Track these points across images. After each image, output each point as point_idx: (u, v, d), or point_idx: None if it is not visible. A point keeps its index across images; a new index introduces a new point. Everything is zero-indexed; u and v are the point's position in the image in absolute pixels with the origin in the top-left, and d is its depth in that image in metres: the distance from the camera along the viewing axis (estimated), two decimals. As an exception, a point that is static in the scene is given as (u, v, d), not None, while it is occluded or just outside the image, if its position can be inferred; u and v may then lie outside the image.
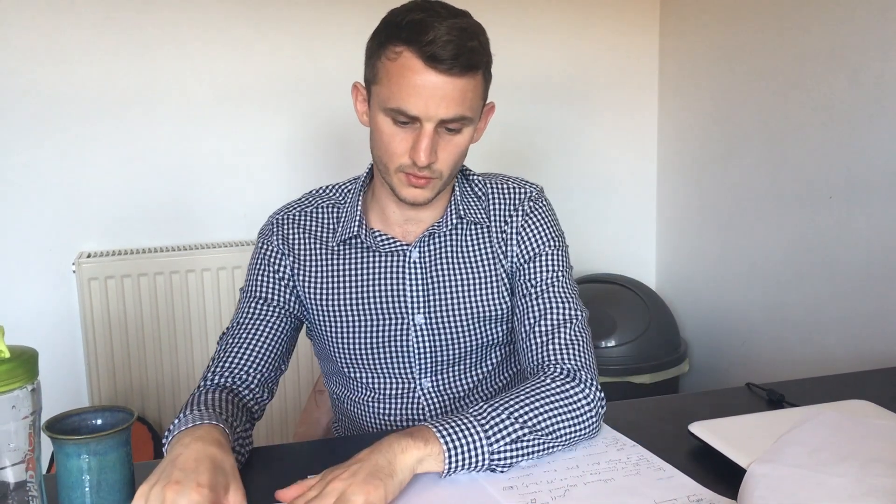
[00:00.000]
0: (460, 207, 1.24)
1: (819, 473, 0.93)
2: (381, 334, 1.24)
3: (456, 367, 1.28)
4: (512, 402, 1.04)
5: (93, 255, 2.21)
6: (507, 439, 1.00)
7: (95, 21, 2.18)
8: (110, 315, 2.20)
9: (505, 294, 1.25)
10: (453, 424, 0.99)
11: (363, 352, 1.25)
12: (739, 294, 2.46)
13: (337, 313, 1.24)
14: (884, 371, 1.43)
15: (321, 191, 1.30)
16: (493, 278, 1.25)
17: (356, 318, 1.24)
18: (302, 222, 1.27)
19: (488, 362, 1.30)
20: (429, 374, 1.27)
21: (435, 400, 1.28)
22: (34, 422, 0.74)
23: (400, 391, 1.27)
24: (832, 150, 2.06)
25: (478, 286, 1.25)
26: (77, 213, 2.24)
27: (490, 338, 1.27)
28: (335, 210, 1.27)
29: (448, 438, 0.97)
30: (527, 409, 1.04)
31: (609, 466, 1.02)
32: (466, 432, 0.98)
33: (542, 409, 1.04)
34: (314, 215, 1.27)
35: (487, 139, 1.31)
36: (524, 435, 1.01)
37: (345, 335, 1.25)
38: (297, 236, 1.25)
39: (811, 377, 1.41)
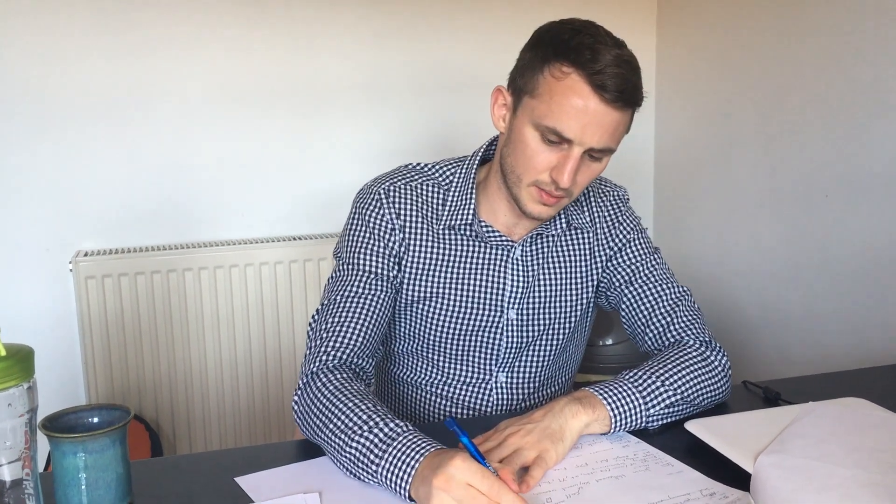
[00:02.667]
0: (568, 213, 1.29)
1: (828, 464, 0.93)
2: (473, 324, 1.27)
3: (532, 365, 1.33)
4: (662, 371, 1.14)
5: (90, 253, 2.21)
6: (661, 405, 1.11)
7: (93, 21, 2.18)
8: (107, 314, 2.20)
9: (590, 295, 1.33)
10: (615, 391, 1.09)
11: (452, 337, 1.28)
12: (736, 292, 2.46)
13: (434, 295, 1.26)
14: (880, 369, 1.44)
15: (419, 167, 1.29)
16: (587, 281, 1.32)
17: (453, 303, 1.26)
18: (410, 197, 1.25)
19: (558, 361, 1.36)
20: (506, 369, 1.31)
21: (505, 393, 1.33)
22: (30, 420, 0.74)
23: (475, 380, 1.32)
24: (829, 148, 2.06)
25: (571, 289, 1.31)
26: (74, 211, 2.24)
27: (570, 338, 1.34)
28: (440, 192, 1.27)
29: (613, 405, 1.08)
30: (676, 376, 1.14)
31: (618, 463, 1.03)
32: (627, 398, 1.09)
33: (689, 377, 1.15)
34: (420, 192, 1.26)
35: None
36: (676, 401, 1.13)
37: (438, 317, 1.27)
38: (405, 211, 1.25)
39: (807, 375, 1.41)
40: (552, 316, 1.30)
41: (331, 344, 1.14)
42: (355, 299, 1.19)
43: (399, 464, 0.91)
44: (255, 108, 2.35)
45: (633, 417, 1.09)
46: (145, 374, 2.25)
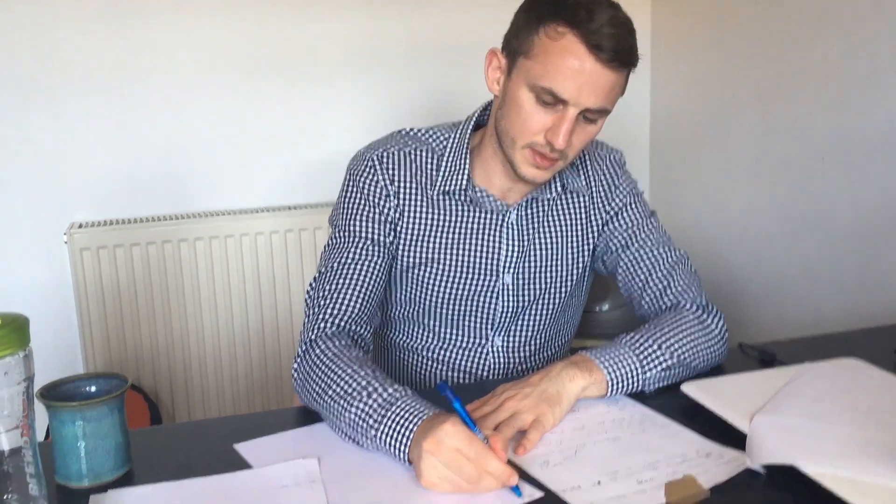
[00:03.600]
0: (563, 177, 1.28)
1: (824, 423, 0.94)
2: (469, 288, 1.28)
3: (529, 329, 1.33)
4: (659, 334, 1.15)
5: (84, 225, 2.20)
6: (659, 368, 1.11)
7: (81, -12, 2.15)
8: (103, 285, 2.19)
9: (586, 259, 1.33)
10: (612, 355, 1.10)
11: (448, 302, 1.28)
12: (732, 256, 2.46)
13: (430, 260, 1.26)
14: (874, 330, 1.44)
15: (412, 133, 1.28)
16: (583, 245, 1.32)
17: (448, 268, 1.26)
18: (403, 163, 1.25)
19: (556, 326, 1.36)
20: (502, 333, 1.32)
21: (501, 357, 1.34)
22: (27, 388, 0.74)
23: (471, 344, 1.32)
24: (825, 111, 2.05)
25: (567, 253, 1.31)
26: (68, 182, 2.22)
27: (566, 302, 1.34)
28: (433, 157, 1.26)
29: (610, 368, 1.09)
30: (673, 340, 1.14)
31: (614, 426, 1.03)
32: (624, 361, 1.10)
33: (686, 341, 1.15)
34: (413, 158, 1.26)
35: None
36: (673, 364, 1.13)
37: (433, 282, 1.27)
38: (400, 177, 1.24)
39: (803, 337, 1.42)
40: (548, 280, 1.30)
41: (328, 311, 1.14)
42: (351, 266, 1.19)
43: (398, 427, 0.92)
44: (249, 76, 2.33)
45: (630, 381, 1.10)
46: (143, 344, 2.26)
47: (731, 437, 0.96)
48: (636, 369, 1.10)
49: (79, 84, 2.18)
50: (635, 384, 1.10)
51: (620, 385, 1.09)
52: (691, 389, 1.08)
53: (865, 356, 1.18)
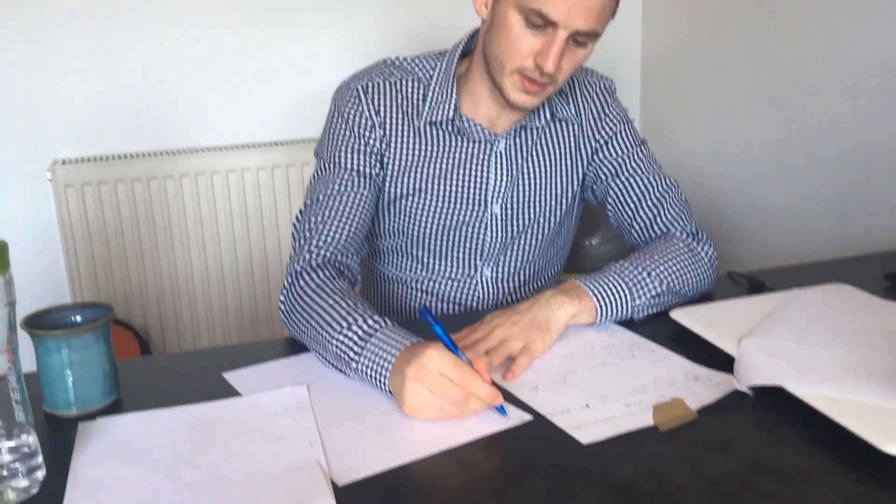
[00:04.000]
0: (552, 104, 1.25)
1: (812, 346, 0.94)
2: (457, 218, 1.27)
3: (518, 259, 1.33)
4: (649, 262, 1.14)
5: (68, 161, 2.17)
6: (648, 295, 1.11)
7: (55, -85, 2.08)
8: (89, 223, 2.17)
9: (576, 188, 1.31)
10: (602, 282, 1.10)
11: (436, 233, 1.28)
12: (723, 187, 2.45)
13: (417, 191, 1.25)
14: (863, 257, 1.44)
15: (398, 62, 1.26)
16: (572, 174, 1.30)
17: (436, 198, 1.25)
18: (389, 93, 1.23)
19: (544, 257, 1.36)
20: (491, 263, 1.32)
21: (490, 288, 1.33)
22: (10, 314, 0.72)
23: (460, 275, 1.32)
24: (818, 42, 2.02)
25: (556, 182, 1.30)
26: (51, 118, 2.17)
27: (556, 232, 1.34)
28: (420, 87, 1.24)
29: (599, 295, 1.08)
30: (662, 267, 1.14)
31: (604, 351, 1.04)
32: (614, 289, 1.09)
33: (675, 268, 1.15)
34: (399, 87, 1.23)
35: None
36: (662, 291, 1.13)
37: (421, 213, 1.26)
38: (384, 107, 1.22)
39: (792, 265, 1.42)
40: (537, 209, 1.29)
41: (314, 242, 1.13)
42: (338, 197, 1.18)
43: (377, 359, 0.92)
44: (235, 8, 2.27)
45: (620, 308, 1.10)
46: (131, 281, 2.24)
47: (720, 362, 0.96)
48: (626, 296, 1.10)
49: (59, 16, 2.12)
50: (625, 311, 1.10)
51: (610, 312, 1.09)
52: (680, 316, 1.08)
53: (854, 282, 1.19)
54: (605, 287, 1.09)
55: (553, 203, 1.30)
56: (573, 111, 1.28)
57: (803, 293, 1.13)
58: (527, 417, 0.87)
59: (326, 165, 1.21)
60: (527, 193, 1.28)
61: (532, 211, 1.29)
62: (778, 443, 0.80)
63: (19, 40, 2.11)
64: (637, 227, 1.27)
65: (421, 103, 1.23)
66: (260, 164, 2.29)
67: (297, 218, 1.19)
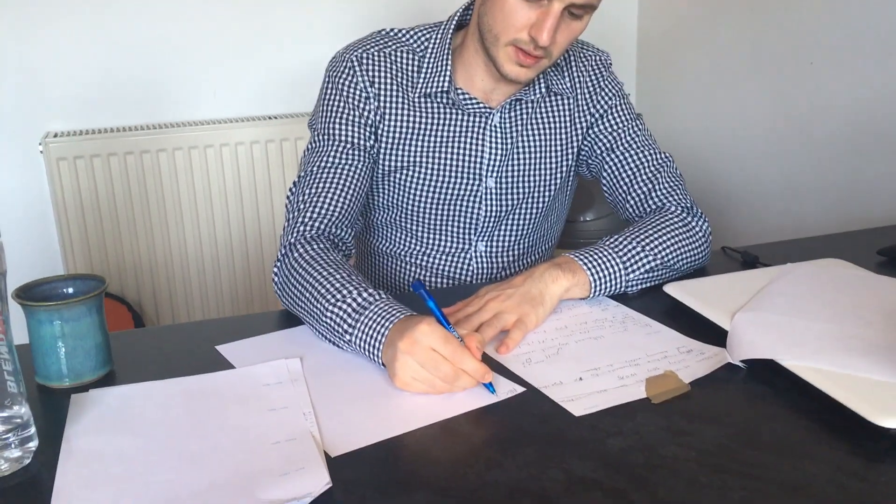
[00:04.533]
0: (548, 78, 1.25)
1: (804, 320, 0.94)
2: (451, 192, 1.26)
3: (512, 234, 1.33)
4: (643, 236, 1.14)
5: (60, 134, 2.15)
6: (641, 269, 1.12)
7: None
8: (82, 196, 2.16)
9: (570, 163, 1.31)
10: (595, 256, 1.10)
11: (430, 206, 1.27)
12: (717, 162, 2.45)
13: (411, 164, 1.24)
14: (857, 233, 1.45)
15: (392, 33, 1.25)
16: (567, 148, 1.30)
17: (430, 172, 1.25)
18: (383, 64, 1.22)
19: (538, 232, 1.36)
20: (485, 237, 1.31)
21: (484, 263, 1.33)
22: (1, 285, 0.72)
23: (454, 249, 1.32)
24: (814, 15, 2.01)
25: (551, 156, 1.29)
26: (41, 90, 2.16)
27: (550, 206, 1.33)
28: (415, 58, 1.23)
29: (593, 269, 1.08)
30: (656, 241, 1.14)
31: (597, 325, 1.04)
32: (607, 263, 1.10)
33: (669, 242, 1.15)
34: (394, 59, 1.22)
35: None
36: (656, 266, 1.13)
37: (415, 187, 1.25)
38: (379, 78, 1.21)
39: (786, 240, 1.42)
40: (532, 183, 1.29)
41: (308, 215, 1.12)
42: (332, 170, 1.17)
43: (370, 332, 0.91)
44: (224, -21, 2.25)
45: (613, 282, 1.10)
46: (124, 255, 2.24)
47: (713, 336, 0.97)
48: (619, 270, 1.10)
49: (47, -13, 2.10)
50: (618, 285, 1.11)
51: (603, 286, 1.09)
52: (673, 290, 1.08)
53: (848, 257, 1.19)
54: (599, 261, 1.09)
55: (548, 177, 1.29)
56: (568, 84, 1.27)
57: (797, 268, 1.13)
58: (519, 389, 0.87)
59: (320, 137, 1.20)
60: (521, 167, 1.27)
61: (527, 184, 1.29)
62: (770, 415, 0.81)
63: (10, 14, 2.08)
64: (632, 202, 1.27)
65: (416, 75, 1.22)
66: (253, 138, 2.28)
67: (290, 190, 1.19)
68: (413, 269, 1.33)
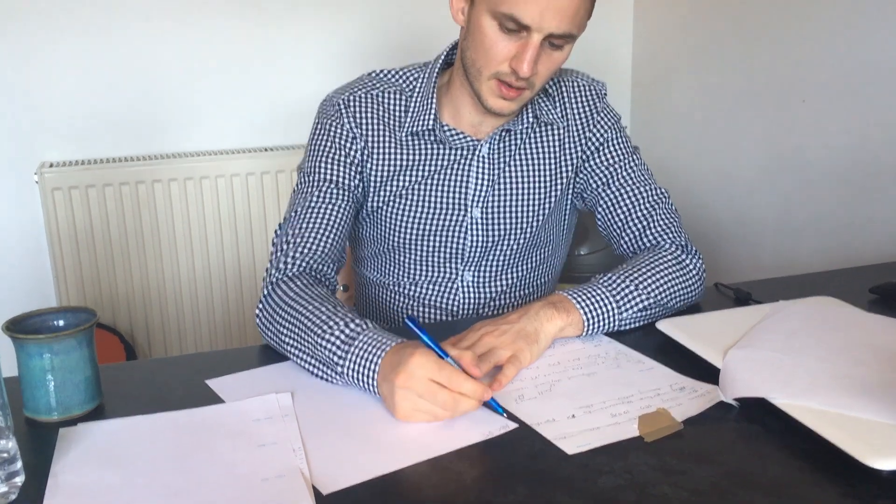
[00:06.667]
0: (536, 107, 1.25)
1: (797, 358, 0.94)
2: (437, 222, 1.27)
3: (499, 265, 1.32)
4: (637, 274, 1.14)
5: (56, 164, 2.16)
6: (635, 308, 1.12)
7: (46, -83, 2.07)
8: (76, 226, 2.16)
9: (559, 192, 1.30)
10: (589, 295, 1.10)
11: (416, 237, 1.28)
12: (711, 198, 2.46)
13: (398, 197, 1.25)
14: (849, 270, 1.45)
15: (381, 75, 1.27)
16: (557, 179, 1.30)
17: (415, 203, 1.26)
18: (370, 105, 1.24)
19: (528, 264, 1.35)
20: (472, 268, 1.31)
21: (472, 292, 1.33)
22: (-10, 318, 0.72)
23: (441, 279, 1.32)
24: (806, 53, 2.04)
25: (539, 186, 1.29)
26: (38, 120, 2.17)
27: (538, 238, 1.33)
28: (402, 98, 1.25)
29: (587, 309, 1.08)
30: (650, 280, 1.14)
31: (590, 361, 1.03)
32: (601, 302, 1.09)
33: (663, 281, 1.15)
34: (381, 100, 1.24)
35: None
36: (650, 304, 1.13)
37: (401, 217, 1.26)
38: (366, 119, 1.23)
39: (779, 277, 1.42)
40: (519, 213, 1.29)
41: (291, 254, 1.13)
42: (316, 209, 1.18)
43: (362, 361, 0.92)
44: (221, 15, 2.27)
45: (607, 321, 1.10)
46: (118, 286, 2.23)
47: (705, 373, 0.96)
48: (613, 309, 1.10)
49: (49, 20, 2.12)
50: (612, 324, 1.11)
51: (597, 325, 1.09)
52: (666, 326, 1.08)
53: (840, 295, 1.19)
54: (593, 300, 1.09)
55: (535, 206, 1.30)
56: (559, 114, 1.28)
57: (789, 305, 1.13)
58: (512, 426, 0.87)
59: (306, 177, 1.22)
60: (508, 197, 1.28)
61: (513, 214, 1.29)
62: (762, 455, 0.80)
63: (7, 44, 2.10)
64: (626, 238, 1.27)
65: (403, 114, 1.24)
66: (248, 170, 2.29)
67: (275, 232, 1.20)
68: (401, 298, 1.34)
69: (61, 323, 0.93)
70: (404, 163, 1.24)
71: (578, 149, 1.30)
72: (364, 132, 1.23)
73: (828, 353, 0.96)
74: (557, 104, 1.28)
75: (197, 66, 2.28)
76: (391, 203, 1.25)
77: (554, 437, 0.84)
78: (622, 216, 1.27)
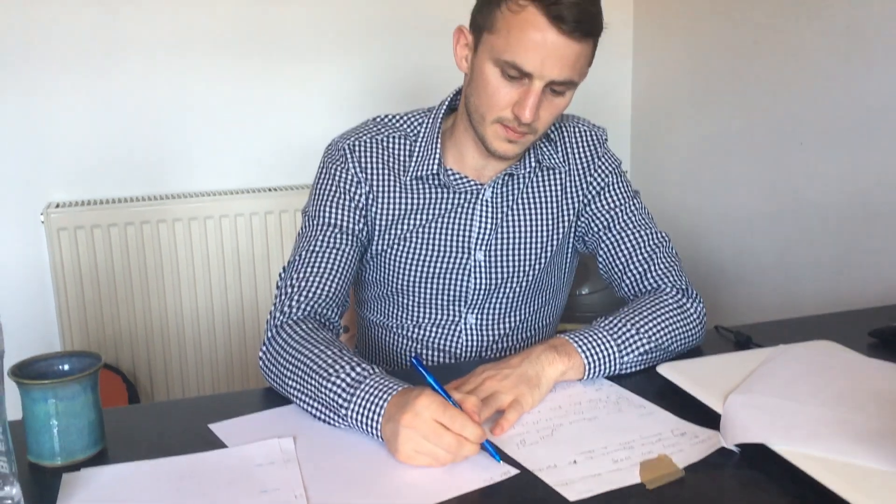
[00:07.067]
0: (539, 152, 1.27)
1: (797, 403, 0.95)
2: (441, 265, 1.28)
3: (503, 307, 1.33)
4: (637, 318, 1.15)
5: (62, 204, 2.18)
6: (636, 352, 1.12)
7: (57, -36, 2.12)
8: (81, 266, 2.17)
9: (561, 237, 1.32)
10: (590, 339, 1.10)
11: (420, 280, 1.29)
12: (710, 241, 2.48)
13: (402, 241, 1.26)
14: (849, 313, 1.45)
15: (386, 120, 1.29)
16: (559, 222, 1.31)
17: (419, 247, 1.27)
18: (375, 150, 1.25)
19: (531, 306, 1.36)
20: (475, 311, 1.32)
21: (475, 335, 1.34)
22: (-2, 365, 0.73)
23: (444, 322, 1.32)
24: (803, 97, 2.06)
25: (542, 230, 1.30)
26: (45, 162, 2.19)
27: (540, 280, 1.33)
28: (406, 143, 1.26)
29: (588, 352, 1.09)
30: (651, 324, 1.15)
31: (591, 406, 1.04)
32: (602, 346, 1.10)
33: (664, 325, 1.16)
34: (385, 145, 1.26)
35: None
36: (651, 349, 1.13)
37: (405, 261, 1.27)
38: (371, 164, 1.25)
39: (778, 319, 1.43)
40: (521, 257, 1.30)
41: (296, 297, 1.14)
42: (320, 254, 1.19)
43: (368, 405, 0.92)
44: (228, 56, 2.31)
45: (608, 365, 1.10)
46: (121, 325, 2.24)
47: (706, 418, 0.97)
48: (614, 353, 1.11)
49: (54, 62, 2.15)
50: (613, 368, 1.11)
51: (598, 369, 1.10)
52: (667, 371, 1.08)
53: (840, 339, 1.20)
54: (595, 344, 1.10)
55: (538, 250, 1.31)
56: (561, 159, 1.30)
57: (789, 349, 1.13)
58: (513, 472, 0.87)
59: (311, 222, 1.24)
60: (510, 240, 1.29)
61: (516, 258, 1.30)
62: (763, 502, 0.80)
63: (14, 85, 2.13)
64: (627, 281, 1.28)
65: (407, 159, 1.26)
66: (252, 210, 2.31)
67: (280, 275, 1.21)
68: (405, 341, 1.34)
69: (66, 367, 0.93)
70: (409, 207, 1.25)
71: (580, 193, 1.31)
72: (369, 176, 1.24)
73: (828, 399, 0.96)
74: (559, 149, 1.30)
75: (202, 106, 2.31)
76: (396, 246, 1.27)
77: (556, 483, 0.84)
78: (623, 260, 1.28)
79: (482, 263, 1.29)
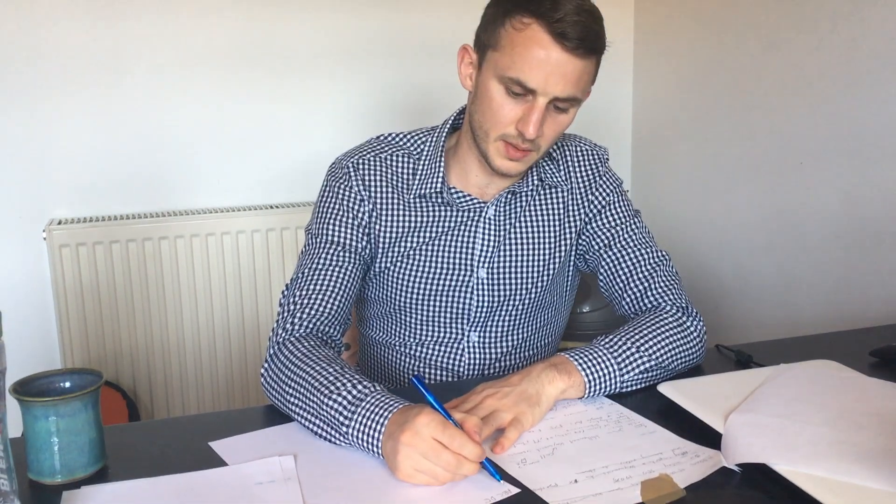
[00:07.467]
0: (541, 170, 1.28)
1: (798, 423, 0.95)
2: (443, 283, 1.28)
3: (505, 324, 1.33)
4: (637, 337, 1.15)
5: (64, 221, 2.19)
6: (636, 370, 1.12)
7: (62, -17, 2.13)
8: (82, 283, 2.18)
9: (563, 255, 1.32)
10: (591, 357, 1.11)
11: (422, 298, 1.29)
12: (711, 259, 2.48)
13: (405, 258, 1.27)
14: (848, 332, 1.46)
15: (390, 138, 1.30)
16: (561, 240, 1.32)
17: (422, 265, 1.27)
18: (379, 168, 1.26)
19: (533, 324, 1.36)
20: (478, 328, 1.32)
21: (478, 353, 1.34)
22: (0, 383, 0.73)
23: (447, 339, 1.32)
24: (803, 115, 2.07)
25: (544, 248, 1.31)
26: (47, 178, 2.20)
27: (542, 298, 1.33)
28: (410, 161, 1.27)
29: (588, 371, 1.09)
30: (651, 342, 1.15)
31: (592, 424, 1.04)
32: (602, 364, 1.10)
33: (664, 343, 1.16)
34: (389, 163, 1.27)
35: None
36: (651, 367, 1.14)
37: (407, 278, 1.27)
38: (375, 182, 1.25)
39: (779, 339, 1.43)
40: (524, 274, 1.30)
41: (298, 315, 1.15)
42: (323, 271, 1.20)
43: (368, 422, 0.92)
44: (230, 73, 2.32)
45: (608, 383, 1.11)
46: (122, 343, 2.24)
47: (707, 437, 0.97)
48: (614, 372, 1.11)
49: (58, 79, 2.17)
50: (613, 386, 1.11)
51: (598, 387, 1.10)
52: (668, 389, 1.08)
53: (840, 358, 1.20)
54: (595, 362, 1.10)
55: (540, 268, 1.31)
56: (563, 177, 1.31)
57: (789, 369, 1.14)
58: (514, 491, 0.87)
59: (314, 239, 1.24)
60: (513, 258, 1.30)
61: (518, 275, 1.30)
62: (764, 522, 0.80)
63: (17, 102, 2.14)
64: (627, 300, 1.28)
65: (411, 177, 1.26)
66: (254, 227, 2.31)
67: (282, 293, 1.21)
68: (407, 359, 1.34)
69: (67, 384, 0.93)
70: (412, 225, 1.26)
71: (581, 211, 1.32)
72: (372, 194, 1.25)
73: (829, 419, 0.96)
74: (561, 168, 1.31)
75: (205, 124, 2.33)
76: (398, 264, 1.27)
77: (556, 502, 0.84)
78: (623, 278, 1.29)
79: (485, 281, 1.29)
